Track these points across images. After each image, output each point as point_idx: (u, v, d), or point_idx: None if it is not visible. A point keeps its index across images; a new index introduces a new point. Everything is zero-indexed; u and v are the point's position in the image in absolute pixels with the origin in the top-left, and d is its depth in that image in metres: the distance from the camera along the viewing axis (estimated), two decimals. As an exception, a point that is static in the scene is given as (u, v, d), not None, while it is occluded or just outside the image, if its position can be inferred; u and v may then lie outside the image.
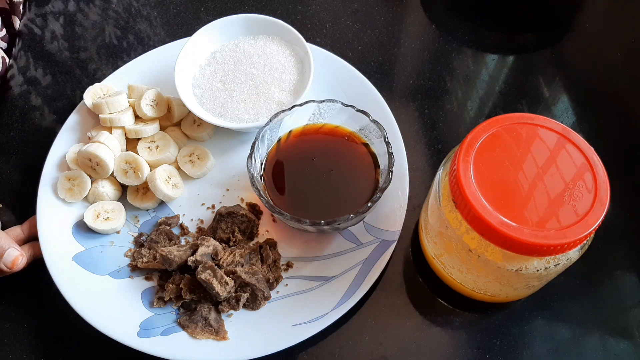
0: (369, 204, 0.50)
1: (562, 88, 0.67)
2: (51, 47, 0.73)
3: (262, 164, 0.56)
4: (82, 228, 0.57)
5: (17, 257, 0.52)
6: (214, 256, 0.53)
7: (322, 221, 0.50)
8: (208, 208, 0.59)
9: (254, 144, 0.54)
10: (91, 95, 0.62)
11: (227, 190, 0.60)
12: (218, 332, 0.51)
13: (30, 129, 0.66)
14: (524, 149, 0.43)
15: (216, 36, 0.64)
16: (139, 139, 0.60)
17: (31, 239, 0.56)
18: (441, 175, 0.46)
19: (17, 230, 0.56)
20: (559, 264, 0.43)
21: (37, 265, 0.55)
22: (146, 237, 0.57)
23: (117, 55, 0.72)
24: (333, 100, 0.56)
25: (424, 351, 0.52)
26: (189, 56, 0.62)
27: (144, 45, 0.72)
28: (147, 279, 0.55)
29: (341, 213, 0.50)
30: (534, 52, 0.70)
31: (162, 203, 0.59)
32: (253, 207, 0.58)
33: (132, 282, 0.55)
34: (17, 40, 0.72)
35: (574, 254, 0.43)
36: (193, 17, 0.74)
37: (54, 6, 0.76)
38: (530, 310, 0.53)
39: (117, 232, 0.58)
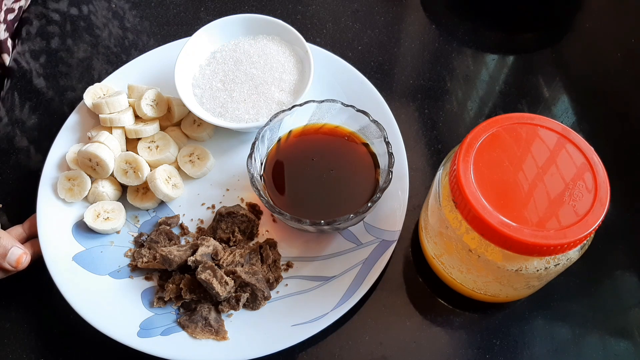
0: (369, 204, 0.50)
1: (562, 88, 0.67)
2: (52, 47, 0.73)
3: (262, 164, 0.56)
4: (82, 228, 0.57)
5: (21, 255, 0.52)
6: (214, 256, 0.53)
7: (322, 221, 0.50)
8: (208, 208, 0.59)
9: (254, 144, 0.54)
10: (91, 95, 0.62)
11: (227, 190, 0.60)
12: (218, 332, 0.51)
13: (30, 129, 0.66)
14: (524, 149, 0.43)
15: (216, 36, 0.64)
16: (139, 139, 0.60)
17: (32, 237, 0.56)
18: (441, 175, 0.46)
19: (19, 230, 0.56)
20: (559, 264, 0.43)
21: (37, 265, 0.55)
22: (146, 237, 0.57)
23: (117, 55, 0.72)
24: (333, 100, 0.56)
25: (424, 351, 0.52)
26: (189, 56, 0.62)
27: (144, 45, 0.72)
28: (147, 279, 0.55)
29: (341, 213, 0.50)
30: (534, 52, 0.70)
31: (162, 203, 0.59)
32: (253, 207, 0.58)
33: (132, 282, 0.55)
34: (13, 49, 0.72)
35: (574, 254, 0.43)
36: (193, 17, 0.74)
37: (51, 12, 0.76)
38: (530, 310, 0.53)
39: (117, 232, 0.58)
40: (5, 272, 0.53)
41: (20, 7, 0.71)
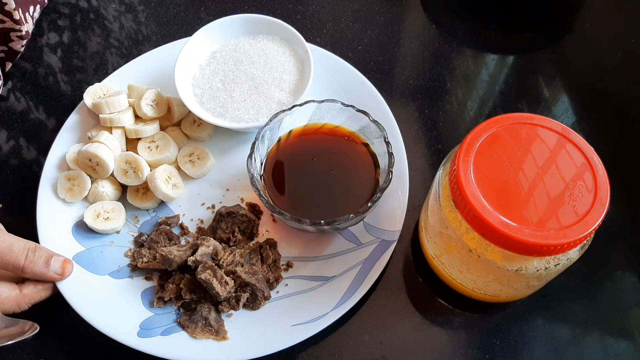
0: (369, 204, 0.50)
1: (562, 88, 0.67)
2: (52, 47, 0.73)
3: (262, 164, 0.56)
4: (82, 228, 0.57)
5: (64, 261, 0.52)
6: (214, 256, 0.53)
7: (322, 221, 0.50)
8: (208, 208, 0.59)
9: (254, 144, 0.54)
10: (91, 95, 0.62)
11: (227, 190, 0.60)
12: (218, 332, 0.51)
13: (30, 129, 0.66)
14: (524, 149, 0.43)
15: (216, 36, 0.64)
16: (139, 139, 0.60)
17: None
18: (441, 175, 0.46)
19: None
20: (559, 264, 0.43)
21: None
22: (146, 237, 0.57)
23: (117, 55, 0.72)
24: (333, 100, 0.56)
25: (424, 351, 0.52)
26: (189, 56, 0.62)
27: (144, 45, 0.72)
28: (147, 279, 0.55)
29: (341, 213, 0.50)
30: (534, 52, 0.70)
31: (162, 203, 0.59)
32: (253, 207, 0.58)
33: (132, 282, 0.55)
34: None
35: (574, 254, 0.43)
36: (193, 17, 0.74)
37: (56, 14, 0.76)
38: (530, 310, 0.53)
39: (117, 232, 0.58)
40: (45, 287, 0.52)
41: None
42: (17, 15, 0.63)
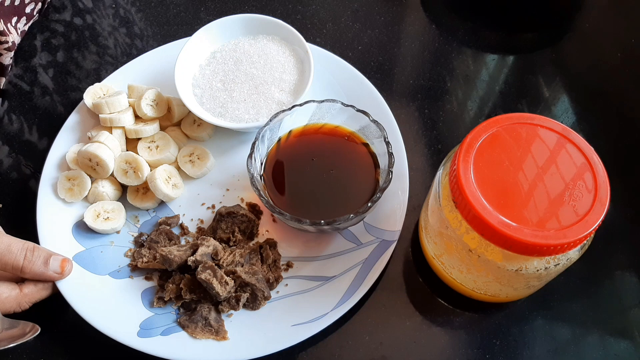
0: (369, 204, 0.50)
1: (562, 88, 0.67)
2: (51, 49, 0.73)
3: (262, 164, 0.56)
4: (82, 228, 0.57)
5: (62, 260, 0.52)
6: (214, 256, 0.53)
7: (322, 221, 0.50)
8: (208, 208, 0.59)
9: (254, 144, 0.54)
10: (91, 95, 0.62)
11: (227, 190, 0.60)
12: (218, 332, 0.51)
13: (31, 128, 0.66)
14: (524, 149, 0.43)
15: (216, 36, 0.64)
16: (139, 139, 0.60)
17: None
18: (441, 175, 0.46)
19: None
20: (559, 264, 0.43)
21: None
22: (146, 237, 0.57)
23: (117, 55, 0.72)
24: (333, 100, 0.56)
25: (424, 351, 0.52)
26: (189, 56, 0.62)
27: (144, 45, 0.72)
28: (147, 279, 0.55)
29: (341, 213, 0.50)
30: (534, 52, 0.70)
31: (162, 203, 0.59)
32: (253, 207, 0.58)
33: (132, 282, 0.55)
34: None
35: (574, 254, 0.43)
36: (193, 17, 0.75)
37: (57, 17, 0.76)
38: (530, 310, 0.53)
39: (117, 232, 0.58)
40: (45, 286, 0.52)
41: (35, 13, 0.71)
42: None
